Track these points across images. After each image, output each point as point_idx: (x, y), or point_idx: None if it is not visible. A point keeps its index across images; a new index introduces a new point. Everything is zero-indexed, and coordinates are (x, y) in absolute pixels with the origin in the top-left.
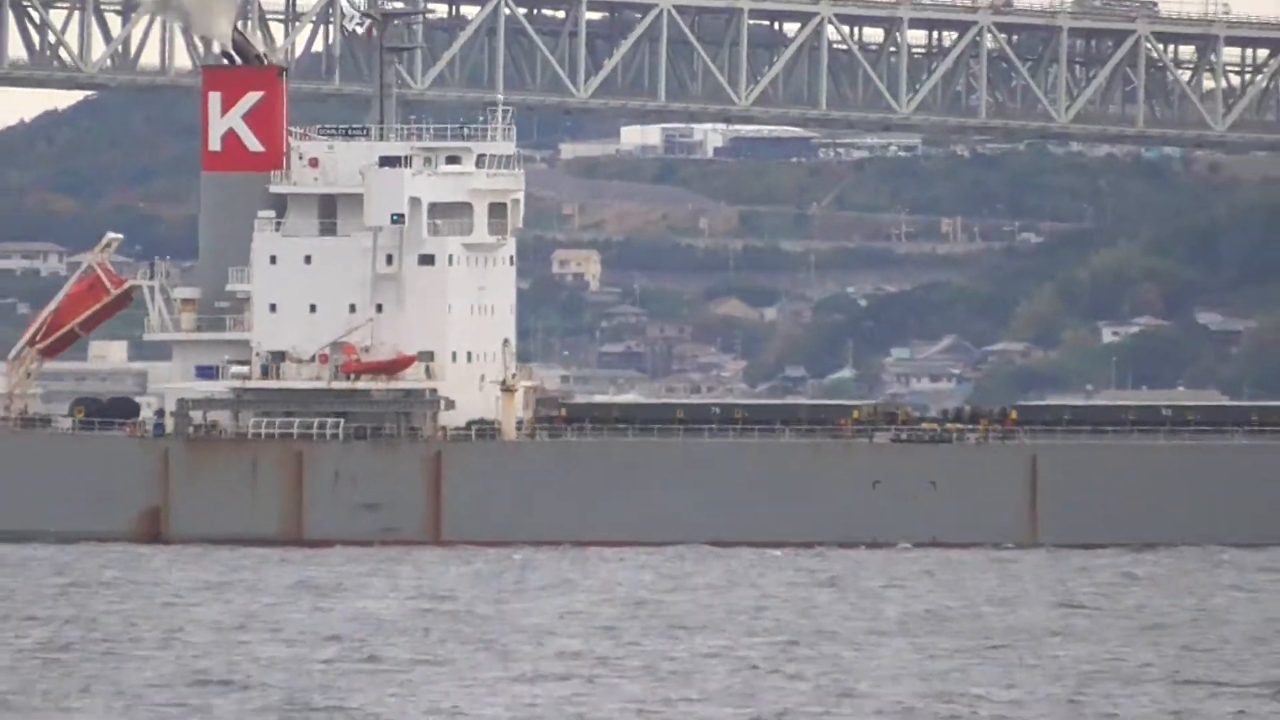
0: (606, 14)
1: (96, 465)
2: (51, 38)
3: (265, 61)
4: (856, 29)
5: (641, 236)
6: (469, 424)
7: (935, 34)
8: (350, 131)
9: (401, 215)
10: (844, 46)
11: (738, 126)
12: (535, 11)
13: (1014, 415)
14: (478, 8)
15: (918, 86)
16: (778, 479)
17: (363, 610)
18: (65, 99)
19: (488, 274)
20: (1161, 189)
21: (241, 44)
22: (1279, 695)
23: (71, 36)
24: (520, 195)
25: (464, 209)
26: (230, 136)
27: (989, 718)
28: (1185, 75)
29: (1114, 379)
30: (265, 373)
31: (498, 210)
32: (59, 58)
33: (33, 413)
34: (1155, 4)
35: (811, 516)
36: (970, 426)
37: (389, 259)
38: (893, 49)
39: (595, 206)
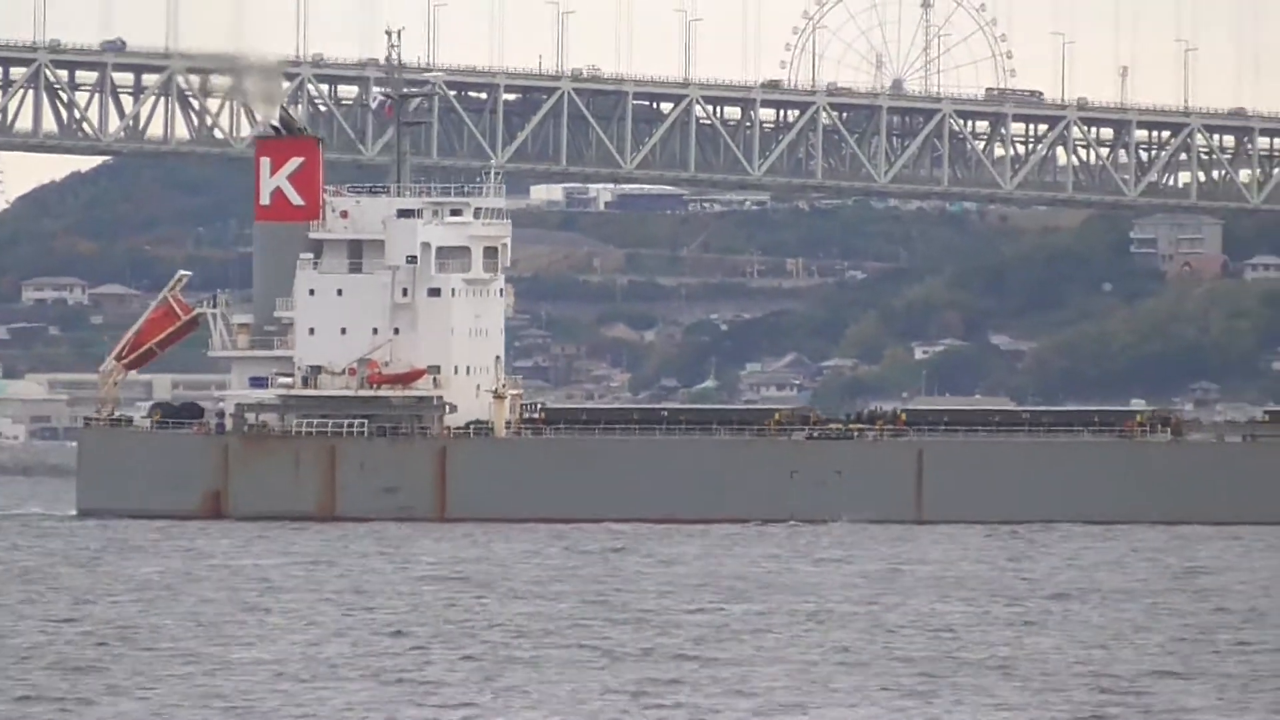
0: (520, 95)
1: (170, 457)
2: (77, 114)
3: (305, 133)
4: (719, 107)
5: (547, 273)
6: (468, 424)
7: (782, 112)
8: (374, 189)
9: (414, 256)
10: (708, 121)
11: (624, 185)
12: (463, 94)
13: (903, 417)
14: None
15: (767, 153)
16: (715, 468)
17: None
18: (88, 163)
19: (483, 304)
20: (961, 235)
21: (287, 120)
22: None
23: (93, 113)
24: (508, 240)
25: (464, 251)
26: (277, 194)
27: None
28: (980, 145)
29: (924, 388)
30: (305, 383)
31: (490, 252)
32: (83, 129)
33: (119, 414)
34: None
35: (742, 499)
36: (869, 426)
37: (404, 291)
38: (748, 124)
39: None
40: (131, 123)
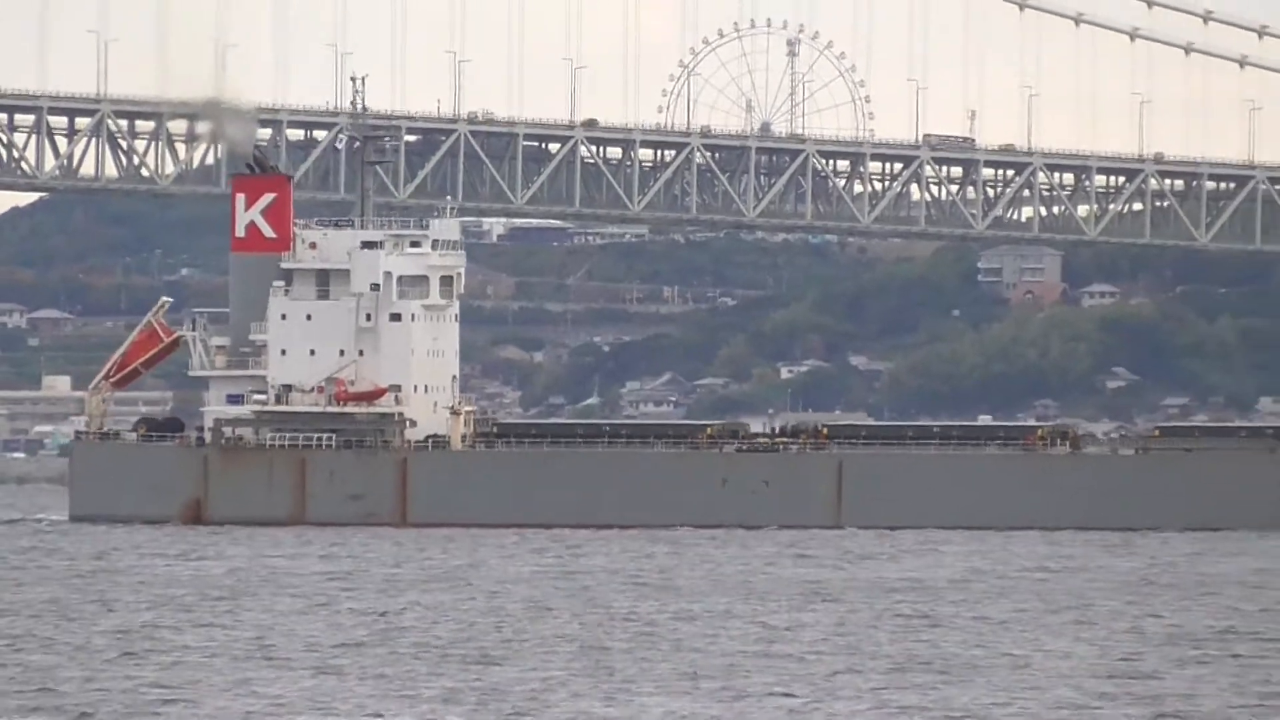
0: (420, 136)
1: (154, 467)
2: (15, 153)
3: (277, 172)
4: (602, 148)
5: None
6: (427, 438)
7: (659, 151)
8: (339, 223)
9: (377, 284)
10: (593, 161)
11: (515, 219)
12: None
13: (825, 431)
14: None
15: (646, 190)
16: (653, 478)
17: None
18: (25, 198)
19: (439, 328)
20: (823, 265)
21: (260, 158)
22: None
23: (30, 152)
24: (462, 270)
25: (422, 280)
26: (251, 227)
27: None
28: (841, 182)
29: (789, 405)
30: (278, 400)
31: (446, 280)
32: (21, 168)
33: (107, 428)
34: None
35: (677, 506)
36: (793, 439)
37: (368, 316)
38: (628, 163)
39: None
40: (65, 162)
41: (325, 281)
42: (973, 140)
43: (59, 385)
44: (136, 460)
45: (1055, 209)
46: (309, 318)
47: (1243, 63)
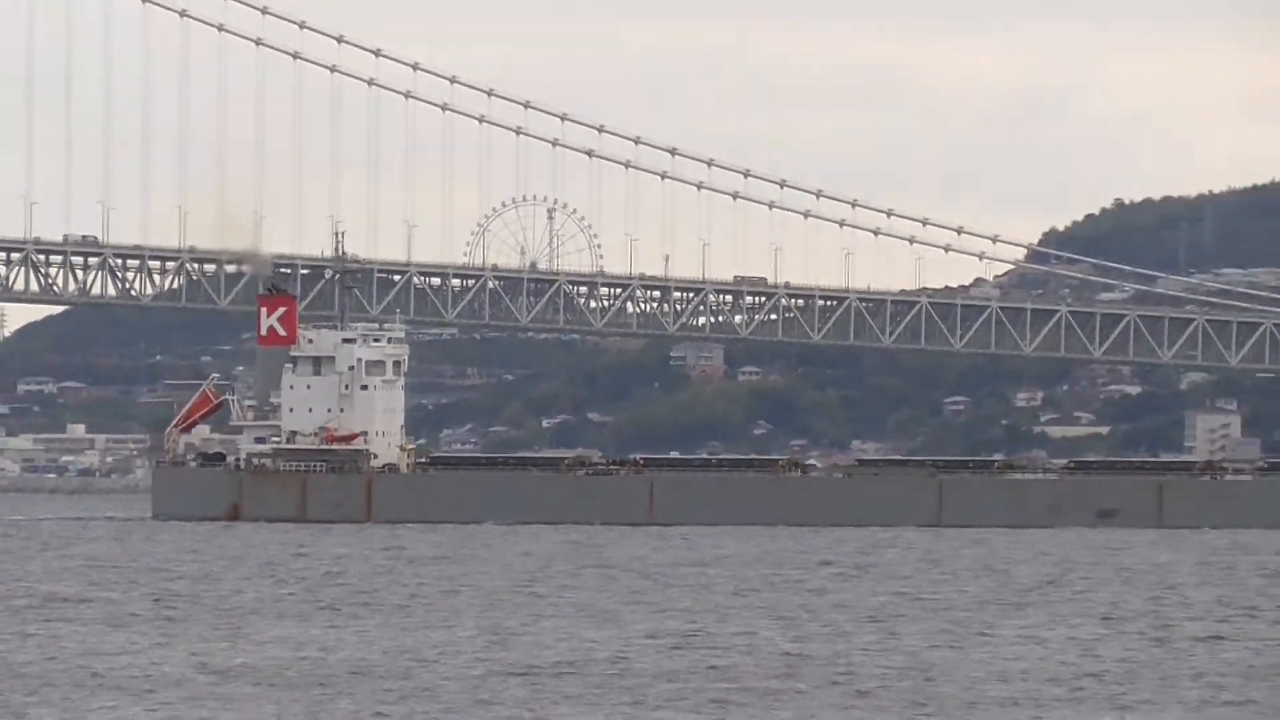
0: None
1: (207, 483)
2: (48, 281)
3: (287, 294)
4: (429, 277)
5: None
6: (384, 465)
7: (464, 280)
8: (328, 327)
9: (353, 366)
10: (423, 286)
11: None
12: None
13: (642, 462)
14: None
15: (458, 304)
16: (530, 493)
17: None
18: (55, 310)
19: (392, 395)
20: (572, 354)
21: (277, 285)
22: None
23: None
24: (406, 356)
25: (381, 364)
26: (271, 329)
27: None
28: (583, 300)
29: (549, 443)
30: (288, 440)
31: (396, 364)
32: (51, 290)
33: (176, 458)
34: None
35: (546, 509)
36: (620, 466)
37: (346, 387)
38: (445, 287)
39: None
40: (83, 286)
41: (319, 364)
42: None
43: (78, 430)
44: (196, 479)
45: (719, 318)
46: (308, 387)
47: (842, 224)
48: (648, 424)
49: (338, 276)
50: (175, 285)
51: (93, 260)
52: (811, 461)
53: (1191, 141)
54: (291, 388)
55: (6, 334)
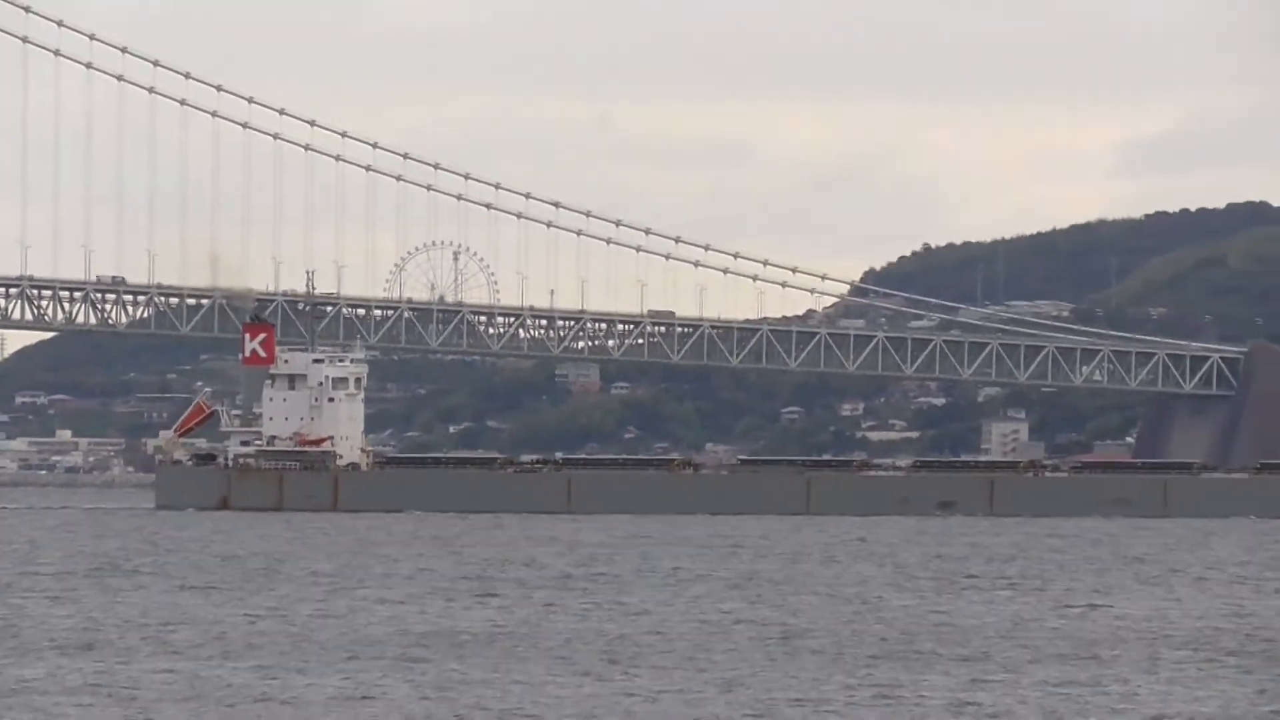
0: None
1: (202, 479)
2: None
3: (266, 322)
4: (355, 309)
5: None
6: (348, 464)
7: (385, 310)
8: (301, 350)
9: (322, 383)
10: (350, 316)
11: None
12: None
13: (560, 460)
14: None
15: (378, 332)
16: (471, 488)
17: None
18: (45, 336)
19: (354, 406)
20: (474, 373)
21: (258, 315)
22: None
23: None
24: (365, 374)
25: (345, 380)
26: (254, 351)
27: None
28: (483, 327)
29: (457, 446)
30: (268, 443)
31: (357, 381)
32: (43, 319)
33: (174, 459)
34: None
35: (487, 499)
36: (542, 464)
37: (316, 399)
38: (369, 317)
39: None
40: (69, 316)
41: (293, 381)
42: (672, 312)
43: (65, 434)
44: (192, 475)
45: (595, 342)
46: (285, 400)
47: (697, 264)
48: (537, 430)
49: (308, 309)
50: (145, 315)
51: (77, 294)
52: (701, 461)
53: (987, 196)
54: (270, 400)
55: (5, 355)
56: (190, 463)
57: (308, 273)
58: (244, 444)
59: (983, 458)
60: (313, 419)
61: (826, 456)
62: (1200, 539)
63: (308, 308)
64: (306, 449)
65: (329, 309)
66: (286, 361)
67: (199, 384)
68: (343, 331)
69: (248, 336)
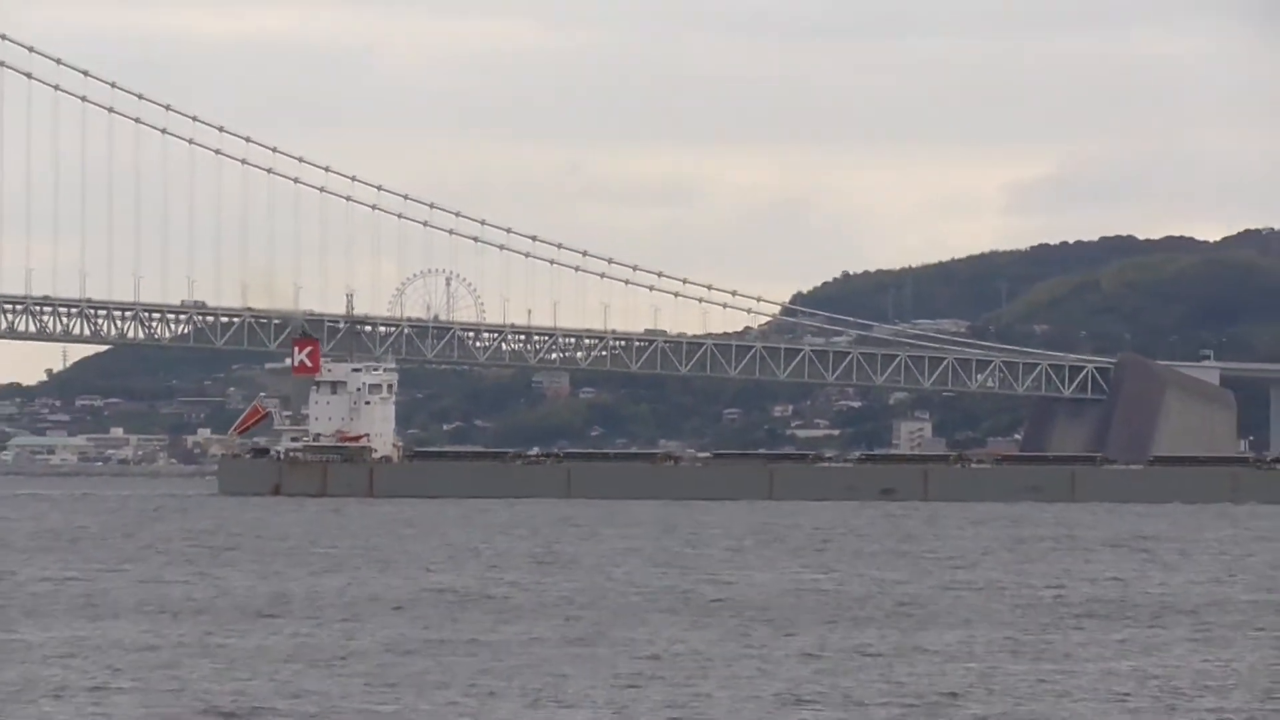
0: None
1: (258, 469)
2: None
3: (312, 336)
4: (368, 325)
5: None
6: (381, 457)
7: (389, 328)
8: (342, 361)
9: (360, 389)
10: (359, 332)
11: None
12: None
13: (560, 452)
14: None
15: (385, 345)
16: (481, 477)
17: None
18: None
19: (386, 407)
20: (463, 380)
21: (305, 331)
22: None
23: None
24: (395, 381)
25: (379, 386)
26: (302, 363)
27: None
28: (470, 342)
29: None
30: (314, 440)
31: (389, 386)
32: (100, 334)
33: (234, 453)
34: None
35: (500, 487)
36: (547, 457)
37: (354, 402)
38: (378, 332)
39: None
40: (121, 332)
41: (335, 387)
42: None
43: (117, 432)
44: (249, 467)
45: (566, 354)
46: (328, 403)
47: (652, 289)
48: (516, 428)
49: (347, 326)
50: (184, 331)
51: (128, 314)
52: (680, 455)
53: (896, 231)
54: (316, 403)
55: (67, 364)
56: (248, 456)
57: (347, 295)
58: (293, 440)
59: (918, 452)
60: (351, 419)
61: (788, 450)
62: (1104, 519)
63: (347, 326)
64: (346, 444)
65: (368, 328)
66: (330, 371)
67: (262, 394)
68: (376, 345)
69: (296, 350)
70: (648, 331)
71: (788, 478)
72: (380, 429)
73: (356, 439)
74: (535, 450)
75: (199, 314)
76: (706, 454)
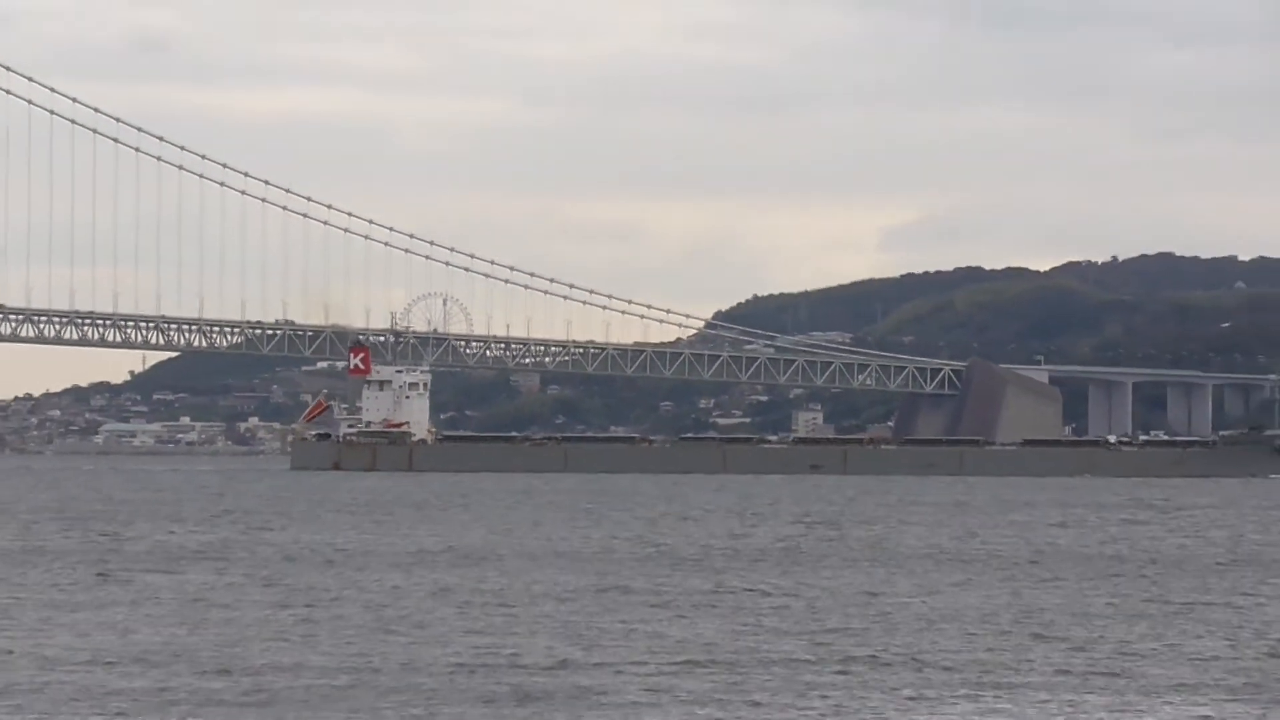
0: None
1: (322, 449)
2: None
3: (366, 344)
4: (380, 337)
5: None
6: (419, 440)
7: (397, 337)
8: (389, 365)
9: (401, 386)
10: (371, 342)
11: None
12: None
13: (560, 438)
14: None
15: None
16: (497, 456)
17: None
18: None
19: (422, 401)
20: (456, 381)
21: (359, 342)
22: None
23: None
24: (429, 380)
25: (417, 384)
26: (356, 366)
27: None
28: (463, 350)
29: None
30: (366, 427)
31: (425, 385)
32: (172, 342)
33: (303, 438)
34: None
35: (511, 463)
36: (546, 440)
37: (397, 397)
38: (389, 341)
39: None
40: (189, 341)
41: (382, 385)
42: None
43: (185, 419)
44: (315, 447)
45: (537, 359)
46: (377, 398)
47: (605, 308)
48: (497, 417)
49: (394, 338)
50: (238, 340)
51: (194, 327)
52: (654, 438)
53: (796, 263)
54: (367, 397)
55: (147, 367)
56: (314, 438)
57: (392, 314)
58: (349, 427)
59: (842, 436)
60: (395, 410)
61: (741, 435)
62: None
63: (393, 338)
64: (391, 430)
65: (407, 340)
66: (378, 372)
67: (324, 390)
68: (411, 354)
69: (352, 355)
70: (601, 341)
71: (737, 456)
72: (418, 418)
73: (399, 425)
74: (539, 434)
75: (250, 327)
76: (674, 438)
